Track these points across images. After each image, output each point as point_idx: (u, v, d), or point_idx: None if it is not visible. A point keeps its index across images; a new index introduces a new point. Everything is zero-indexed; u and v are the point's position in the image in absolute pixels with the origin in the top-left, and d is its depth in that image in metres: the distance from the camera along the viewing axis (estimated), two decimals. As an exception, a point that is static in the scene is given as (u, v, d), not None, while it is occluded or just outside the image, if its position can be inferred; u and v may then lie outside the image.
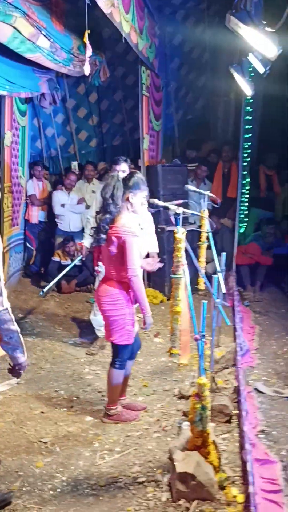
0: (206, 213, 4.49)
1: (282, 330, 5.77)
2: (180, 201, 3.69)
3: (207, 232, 4.56)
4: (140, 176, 3.72)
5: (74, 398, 4.26)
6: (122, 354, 3.72)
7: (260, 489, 2.87)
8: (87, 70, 4.31)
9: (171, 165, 7.61)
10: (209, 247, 4.67)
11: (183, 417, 3.75)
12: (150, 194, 3.87)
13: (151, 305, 3.74)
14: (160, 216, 6.69)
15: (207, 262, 5.65)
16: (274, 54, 3.69)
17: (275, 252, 7.37)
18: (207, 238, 4.61)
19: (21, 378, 4.43)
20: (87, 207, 7.30)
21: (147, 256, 5.03)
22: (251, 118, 7.80)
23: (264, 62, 4.66)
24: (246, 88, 6.16)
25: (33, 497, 2.96)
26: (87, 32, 3.94)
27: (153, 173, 7.04)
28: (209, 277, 5.03)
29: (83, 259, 5.70)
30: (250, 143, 7.90)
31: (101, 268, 3.85)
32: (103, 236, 3.54)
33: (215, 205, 4.97)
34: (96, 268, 4.35)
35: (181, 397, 4.11)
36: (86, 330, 5.76)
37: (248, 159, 7.93)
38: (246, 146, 7.81)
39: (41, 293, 6.00)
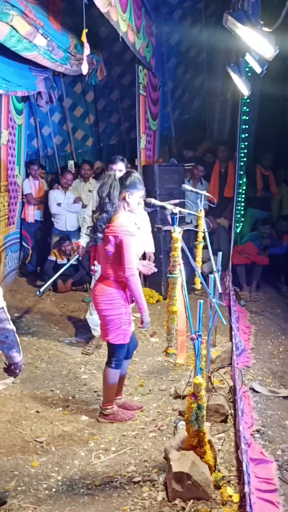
0: (202, 213, 4.49)
1: (278, 330, 5.79)
2: (177, 201, 3.68)
3: (203, 232, 4.56)
4: (137, 175, 3.72)
5: (70, 398, 4.25)
6: (118, 353, 3.72)
7: (256, 489, 2.87)
8: (85, 69, 4.30)
9: (167, 165, 7.61)
10: (205, 247, 4.67)
11: (179, 416, 3.75)
12: (146, 193, 3.86)
13: (147, 305, 3.74)
14: (156, 216, 6.69)
15: (204, 262, 5.66)
16: (271, 54, 3.69)
17: (271, 252, 7.39)
18: (204, 237, 4.61)
19: (16, 378, 4.44)
20: (84, 206, 7.28)
21: (144, 255, 5.04)
22: (247, 118, 7.82)
23: (261, 62, 4.67)
24: (243, 88, 6.17)
25: (28, 497, 2.95)
26: (84, 31, 3.93)
27: (150, 172, 7.04)
28: (205, 276, 5.05)
29: (80, 258, 5.69)
30: (246, 143, 7.92)
31: (97, 267, 3.84)
32: (100, 235, 3.54)
33: (212, 205, 4.96)
34: (92, 267, 4.34)
35: (177, 396, 4.11)
36: (82, 329, 5.76)
37: (245, 159, 7.95)
38: (243, 146, 7.82)
39: (37, 292, 5.99)
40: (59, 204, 7.45)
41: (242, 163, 7.88)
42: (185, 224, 6.97)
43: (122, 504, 2.86)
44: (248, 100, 7.57)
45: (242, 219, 8.02)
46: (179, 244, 3.35)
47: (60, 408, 4.07)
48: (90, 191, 7.33)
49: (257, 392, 4.22)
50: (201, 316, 2.93)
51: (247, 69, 6.32)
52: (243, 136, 7.78)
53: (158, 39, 8.03)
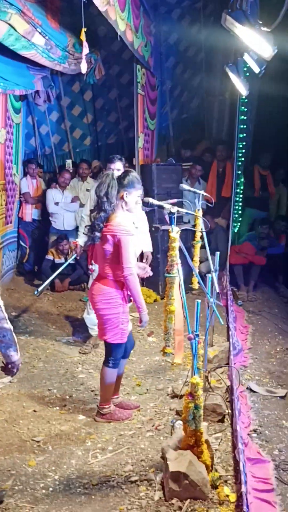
0: (200, 213, 4.49)
1: (275, 330, 5.79)
2: (175, 200, 3.68)
3: (201, 232, 4.56)
4: (135, 175, 3.71)
5: (67, 397, 4.25)
6: (115, 353, 3.72)
7: (253, 488, 2.88)
8: (84, 68, 4.30)
9: (165, 164, 7.61)
10: (203, 247, 4.67)
11: (176, 416, 3.75)
12: (144, 193, 3.86)
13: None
14: (154, 215, 6.69)
15: (201, 262, 5.66)
16: (270, 54, 3.69)
17: (269, 252, 7.39)
18: (201, 237, 4.61)
19: (14, 377, 4.43)
20: (81, 205, 7.28)
21: (141, 255, 5.04)
22: (246, 117, 7.82)
23: (259, 62, 4.67)
24: (241, 87, 6.17)
25: (25, 496, 2.95)
26: (83, 30, 3.92)
27: (148, 172, 7.03)
28: (203, 276, 5.04)
29: (78, 257, 5.69)
30: (244, 143, 7.91)
31: (95, 266, 3.84)
32: (98, 234, 3.53)
33: (210, 205, 4.97)
34: (90, 266, 4.35)
35: (174, 396, 4.12)
36: (79, 328, 5.75)
37: (243, 159, 7.95)
38: (241, 146, 7.82)
39: (35, 292, 5.98)
40: (56, 203, 7.44)
41: (240, 163, 7.88)
42: (183, 223, 6.97)
43: (119, 504, 2.86)
44: (246, 100, 7.58)
45: (240, 219, 8.02)
46: (177, 243, 3.35)
47: (57, 408, 4.07)
48: (88, 190, 7.32)
49: (254, 392, 4.22)
50: (198, 316, 2.93)
51: (245, 69, 6.31)
52: (241, 136, 7.78)
53: (156, 38, 8.03)
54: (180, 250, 3.43)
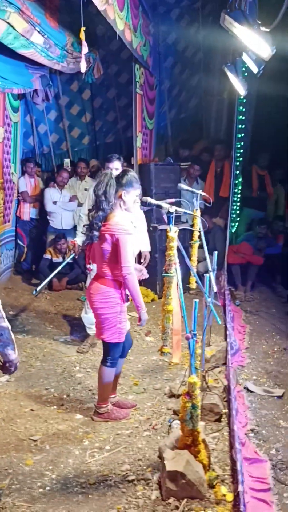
0: (198, 212, 4.49)
1: (272, 330, 5.80)
2: (173, 200, 3.68)
3: (199, 231, 4.56)
4: (133, 174, 3.72)
5: (65, 396, 4.25)
6: (113, 352, 3.72)
7: (250, 488, 2.88)
8: (83, 67, 4.29)
9: (164, 164, 7.61)
10: (201, 246, 4.67)
11: (174, 415, 3.75)
12: (142, 192, 3.86)
13: (142, 304, 3.74)
14: (152, 215, 6.70)
15: (199, 261, 5.66)
16: (268, 54, 3.69)
17: (267, 252, 7.40)
18: (199, 237, 4.61)
19: (11, 376, 4.43)
20: (79, 204, 7.28)
21: (140, 254, 5.04)
22: (244, 117, 7.82)
23: (257, 62, 4.67)
24: (239, 87, 6.17)
25: (22, 495, 2.95)
26: (83, 29, 3.92)
27: (146, 171, 7.03)
28: (200, 276, 5.04)
29: (76, 257, 5.68)
30: (242, 143, 7.92)
31: (92, 266, 3.83)
32: (96, 233, 3.53)
33: (208, 204, 4.98)
34: (87, 266, 4.34)
35: (172, 395, 4.12)
36: (77, 328, 5.75)
37: (241, 159, 7.96)
38: (239, 146, 7.83)
39: (34, 292, 5.97)
40: (54, 202, 7.44)
41: (238, 163, 7.89)
42: (180, 223, 6.97)
43: (116, 503, 2.86)
44: (244, 100, 7.58)
45: (238, 219, 8.03)
46: (174, 243, 3.35)
47: (55, 407, 4.07)
48: (86, 189, 7.32)
49: (251, 391, 4.23)
50: (196, 316, 2.93)
51: (243, 69, 6.32)
52: (240, 135, 7.79)
53: (155, 38, 8.03)
54: (178, 249, 3.44)
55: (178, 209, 3.58)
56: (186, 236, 6.07)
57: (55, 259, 7.22)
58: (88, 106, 8.89)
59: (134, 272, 3.57)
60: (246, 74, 6.52)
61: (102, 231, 3.52)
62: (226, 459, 3.24)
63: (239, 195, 7.96)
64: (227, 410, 3.79)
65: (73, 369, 4.78)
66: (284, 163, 7.93)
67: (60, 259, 7.12)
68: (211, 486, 2.90)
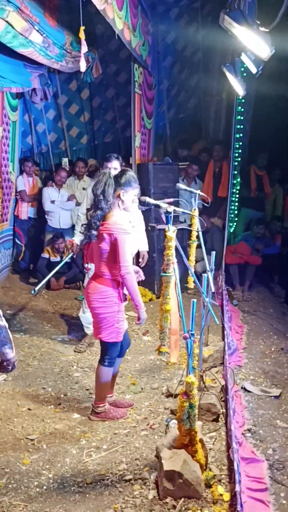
0: (196, 212, 4.49)
1: (270, 330, 5.81)
2: (171, 200, 3.68)
3: (197, 231, 4.57)
4: (132, 174, 3.72)
5: (62, 396, 4.25)
6: (111, 351, 3.72)
7: (246, 488, 2.88)
8: (83, 66, 4.28)
9: (162, 164, 7.61)
10: (199, 246, 4.67)
11: (171, 415, 3.75)
12: (141, 192, 3.86)
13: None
14: (150, 214, 6.70)
15: (197, 261, 5.66)
16: (267, 54, 3.70)
17: (264, 252, 7.41)
18: (197, 237, 4.62)
19: (8, 375, 4.43)
20: (77, 204, 7.27)
21: (138, 254, 5.04)
22: (242, 118, 7.83)
23: (256, 62, 4.67)
24: (238, 88, 6.17)
25: (19, 494, 2.94)
26: (82, 29, 3.91)
27: (144, 171, 7.03)
28: (198, 276, 5.05)
29: (74, 256, 5.68)
30: (241, 143, 7.93)
31: (90, 265, 3.83)
32: (94, 232, 3.53)
33: (206, 204, 4.97)
34: (85, 265, 4.34)
35: (169, 395, 4.12)
36: (74, 327, 5.75)
37: (239, 159, 7.97)
38: (238, 146, 7.84)
39: (32, 292, 5.96)
40: (52, 202, 7.44)
41: (236, 163, 7.90)
42: (179, 223, 6.97)
43: (113, 502, 2.86)
44: (243, 100, 7.58)
45: (236, 219, 8.04)
46: (173, 243, 3.35)
47: (52, 406, 4.06)
48: (84, 188, 7.31)
49: (248, 391, 4.23)
50: (194, 315, 2.93)
51: (242, 69, 6.32)
52: (238, 136, 7.80)
53: (154, 37, 8.03)
54: (176, 249, 3.44)
55: (177, 209, 3.57)
56: (184, 236, 6.08)
57: (53, 258, 7.22)
58: (86, 105, 8.89)
59: (132, 271, 3.57)
60: (245, 74, 6.52)
61: (101, 231, 3.52)
62: (223, 459, 3.24)
63: (237, 195, 7.97)
64: (224, 410, 3.79)
65: (70, 369, 4.78)
66: (283, 163, 7.95)
67: (58, 258, 7.12)
68: (208, 485, 2.91)
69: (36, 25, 4.67)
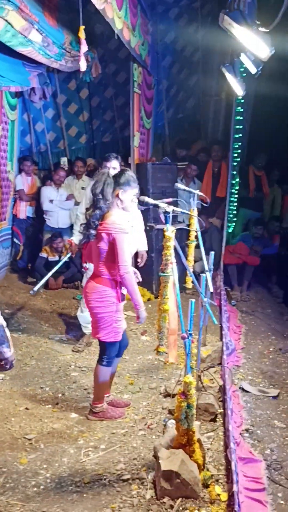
0: (195, 212, 4.49)
1: (268, 330, 5.81)
2: (170, 200, 3.68)
3: (195, 231, 4.57)
4: (131, 173, 3.72)
5: (60, 395, 4.24)
6: (109, 351, 3.71)
7: (244, 488, 2.89)
8: (83, 65, 4.27)
9: (161, 163, 7.61)
10: (197, 246, 4.68)
11: (169, 415, 3.76)
12: (140, 191, 3.86)
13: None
14: (149, 214, 6.69)
15: (195, 261, 5.67)
16: (267, 55, 3.70)
17: (263, 253, 7.41)
18: (196, 237, 4.62)
19: (5, 374, 4.42)
20: (76, 203, 7.26)
21: (136, 253, 5.04)
22: (241, 118, 7.83)
23: (256, 63, 4.68)
24: (237, 88, 6.17)
25: (17, 494, 2.94)
26: (82, 28, 3.91)
27: (143, 170, 7.03)
28: (197, 276, 5.04)
29: (73, 256, 5.67)
30: (240, 143, 7.93)
31: (89, 265, 3.83)
32: (93, 231, 3.53)
33: (204, 204, 4.97)
34: (84, 265, 4.34)
35: (167, 395, 4.12)
36: (72, 327, 5.75)
37: (238, 159, 7.97)
38: (236, 146, 7.84)
39: (31, 292, 5.94)
40: (51, 201, 7.43)
41: (235, 163, 7.90)
42: (177, 223, 6.97)
43: (111, 502, 2.86)
44: (242, 100, 7.58)
45: (235, 219, 8.04)
46: (171, 242, 3.35)
47: (50, 406, 4.06)
48: (83, 188, 7.31)
49: (246, 391, 4.23)
50: (192, 315, 2.93)
51: (241, 69, 6.32)
52: (237, 136, 7.80)
53: (153, 37, 8.02)
54: (175, 249, 3.44)
55: (175, 208, 3.57)
56: (182, 235, 6.07)
57: (51, 258, 7.22)
58: (85, 105, 8.88)
59: (131, 271, 3.57)
60: (244, 74, 6.52)
61: (99, 230, 3.52)
62: (221, 459, 3.24)
63: (236, 196, 7.97)
64: (222, 410, 3.79)
65: (68, 368, 4.78)
66: (281, 164, 7.96)
67: (56, 258, 7.11)
68: (206, 485, 2.91)
69: (36, 24, 4.66)
